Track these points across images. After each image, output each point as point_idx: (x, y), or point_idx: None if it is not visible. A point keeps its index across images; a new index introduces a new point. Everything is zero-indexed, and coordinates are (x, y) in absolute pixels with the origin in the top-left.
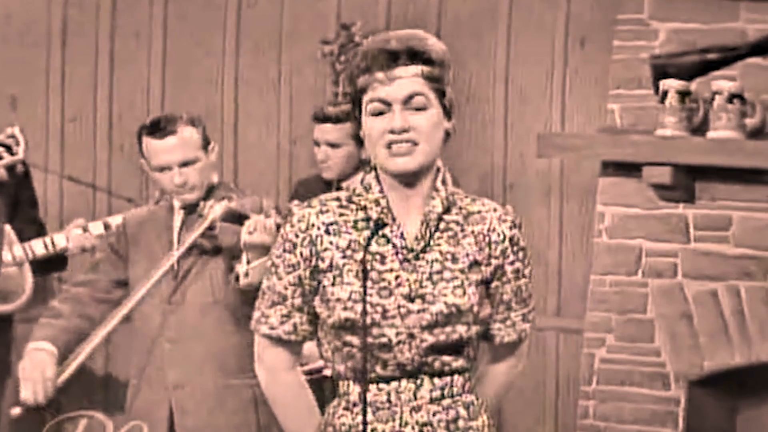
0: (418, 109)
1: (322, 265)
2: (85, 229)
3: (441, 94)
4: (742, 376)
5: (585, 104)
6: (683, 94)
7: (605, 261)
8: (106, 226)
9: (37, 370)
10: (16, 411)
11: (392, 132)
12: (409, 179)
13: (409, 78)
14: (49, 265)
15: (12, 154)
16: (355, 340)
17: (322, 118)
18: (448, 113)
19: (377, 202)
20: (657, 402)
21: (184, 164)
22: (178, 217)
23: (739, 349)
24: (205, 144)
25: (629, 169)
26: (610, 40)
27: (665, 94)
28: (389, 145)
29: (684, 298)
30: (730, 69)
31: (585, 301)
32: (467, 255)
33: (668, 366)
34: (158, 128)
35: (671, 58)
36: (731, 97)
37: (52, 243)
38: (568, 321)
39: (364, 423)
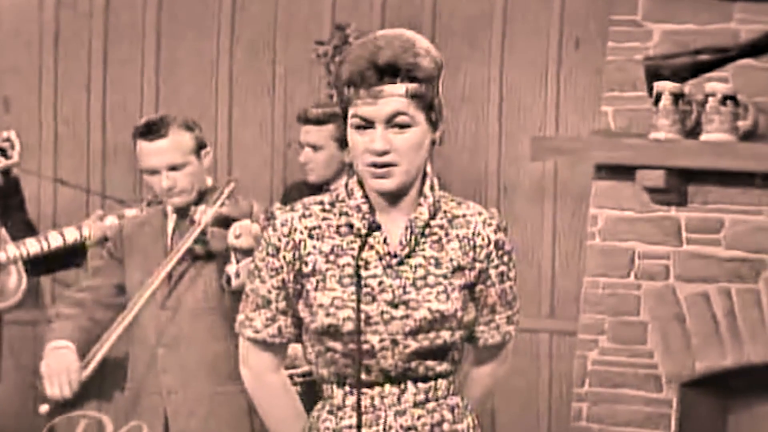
0: (400, 128)
1: (306, 269)
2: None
3: (428, 109)
4: (733, 378)
5: (579, 106)
6: (677, 96)
7: (598, 263)
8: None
9: (62, 366)
10: (44, 408)
11: (373, 153)
12: (390, 195)
13: (393, 97)
14: (69, 259)
15: (7, 157)
16: (338, 345)
17: (305, 120)
18: (434, 125)
19: (359, 209)
20: (649, 404)
21: (173, 168)
22: (172, 220)
23: (731, 351)
24: (198, 149)
25: (623, 172)
26: (604, 42)
27: (659, 96)
28: (370, 165)
29: (676, 301)
30: (722, 70)
31: (578, 303)
32: (451, 260)
33: (660, 368)
34: (149, 131)
35: (664, 60)
36: (724, 99)
37: (47, 241)
38: (562, 323)
39: (359, 427)
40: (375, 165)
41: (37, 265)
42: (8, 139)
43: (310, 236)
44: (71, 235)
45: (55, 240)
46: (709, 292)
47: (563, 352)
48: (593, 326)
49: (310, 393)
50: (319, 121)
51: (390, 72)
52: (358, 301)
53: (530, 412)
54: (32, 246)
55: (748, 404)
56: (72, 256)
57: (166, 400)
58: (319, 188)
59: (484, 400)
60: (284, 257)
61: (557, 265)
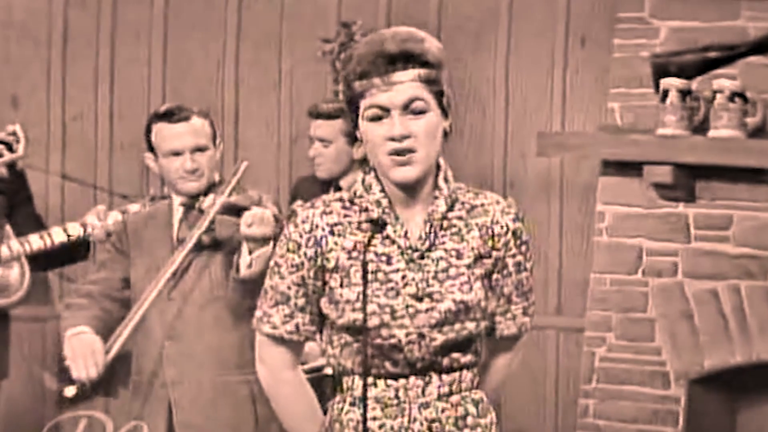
0: (416, 113)
1: (329, 266)
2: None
3: (439, 95)
4: (742, 375)
5: (585, 103)
6: (684, 93)
7: (605, 260)
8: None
9: (86, 348)
10: (71, 391)
11: (393, 139)
12: (409, 186)
13: (407, 83)
14: (73, 254)
15: (12, 151)
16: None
17: (315, 114)
18: (446, 113)
19: (378, 203)
20: (657, 401)
21: (197, 149)
22: (178, 213)
23: (740, 348)
24: (214, 136)
25: (630, 168)
26: (610, 39)
27: (666, 92)
28: (391, 154)
29: (684, 297)
30: (730, 67)
31: (585, 299)
32: (472, 249)
33: (668, 365)
34: (172, 113)
35: (672, 57)
36: (732, 96)
37: (50, 237)
38: (569, 320)
39: (364, 421)
40: (396, 153)
41: (41, 261)
42: (13, 133)
43: (332, 233)
44: (74, 230)
45: (58, 236)
46: (718, 289)
47: (570, 349)
48: (600, 323)
49: (318, 389)
50: (329, 116)
51: (401, 58)
52: (365, 294)
53: (537, 408)
54: (35, 242)
55: (756, 401)
56: (76, 251)
57: (170, 391)
58: (327, 183)
59: (497, 392)
60: (305, 254)
61: (564, 261)
